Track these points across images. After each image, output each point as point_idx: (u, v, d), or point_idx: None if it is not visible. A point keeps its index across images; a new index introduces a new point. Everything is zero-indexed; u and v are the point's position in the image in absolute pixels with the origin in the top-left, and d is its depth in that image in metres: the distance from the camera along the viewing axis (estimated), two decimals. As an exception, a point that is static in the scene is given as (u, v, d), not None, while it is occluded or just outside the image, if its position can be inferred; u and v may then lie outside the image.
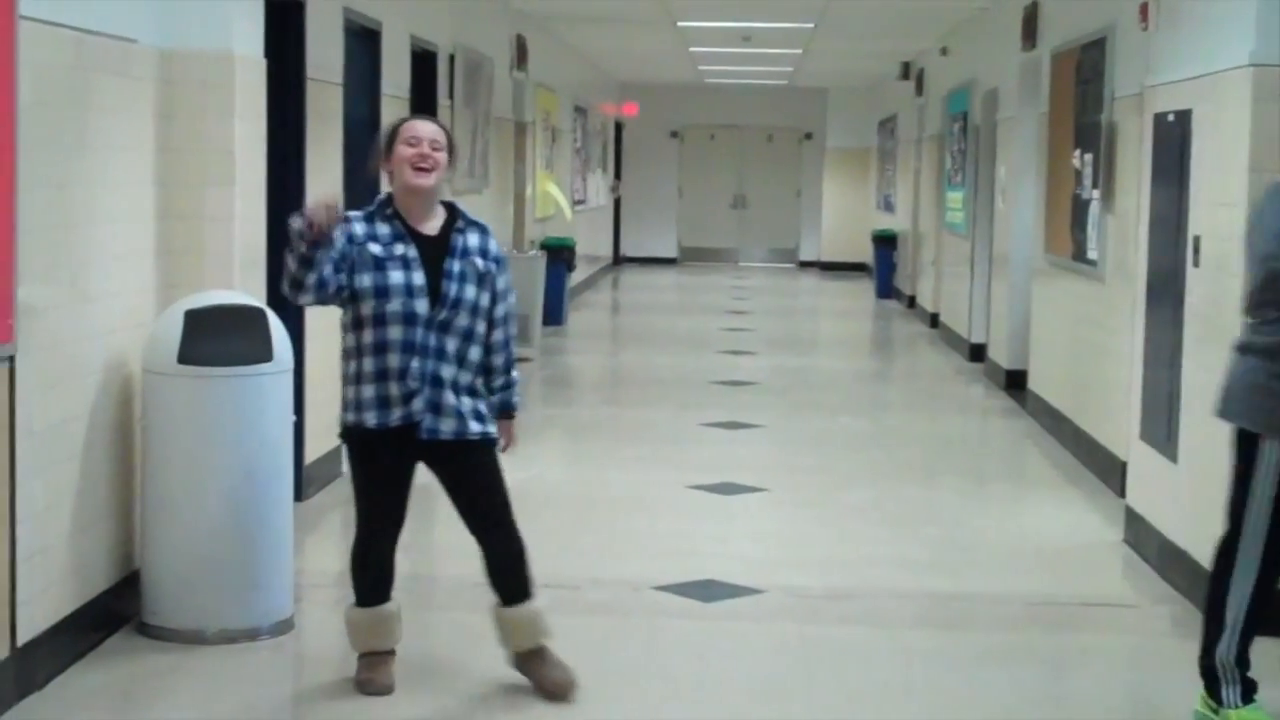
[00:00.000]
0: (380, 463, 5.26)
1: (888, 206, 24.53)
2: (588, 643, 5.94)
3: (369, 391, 5.17)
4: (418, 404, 5.15)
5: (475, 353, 5.26)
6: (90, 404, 5.73)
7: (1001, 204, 13.72)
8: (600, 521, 8.14)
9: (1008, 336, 13.09)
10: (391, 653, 5.46)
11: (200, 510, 5.83)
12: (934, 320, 18.07)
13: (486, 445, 5.29)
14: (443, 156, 5.26)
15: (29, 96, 5.10)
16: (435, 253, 5.20)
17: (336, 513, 8.19)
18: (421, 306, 5.13)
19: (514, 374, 5.44)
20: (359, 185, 9.39)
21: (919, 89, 20.35)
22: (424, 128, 5.29)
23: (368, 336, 5.16)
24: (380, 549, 5.39)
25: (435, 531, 7.21)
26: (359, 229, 5.20)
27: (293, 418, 6.09)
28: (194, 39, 6.44)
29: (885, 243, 22.79)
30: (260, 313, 6.01)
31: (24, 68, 5.03)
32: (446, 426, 5.18)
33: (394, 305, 5.12)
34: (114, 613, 5.93)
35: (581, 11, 16.69)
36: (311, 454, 8.21)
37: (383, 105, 9.77)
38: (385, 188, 5.40)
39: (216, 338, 5.84)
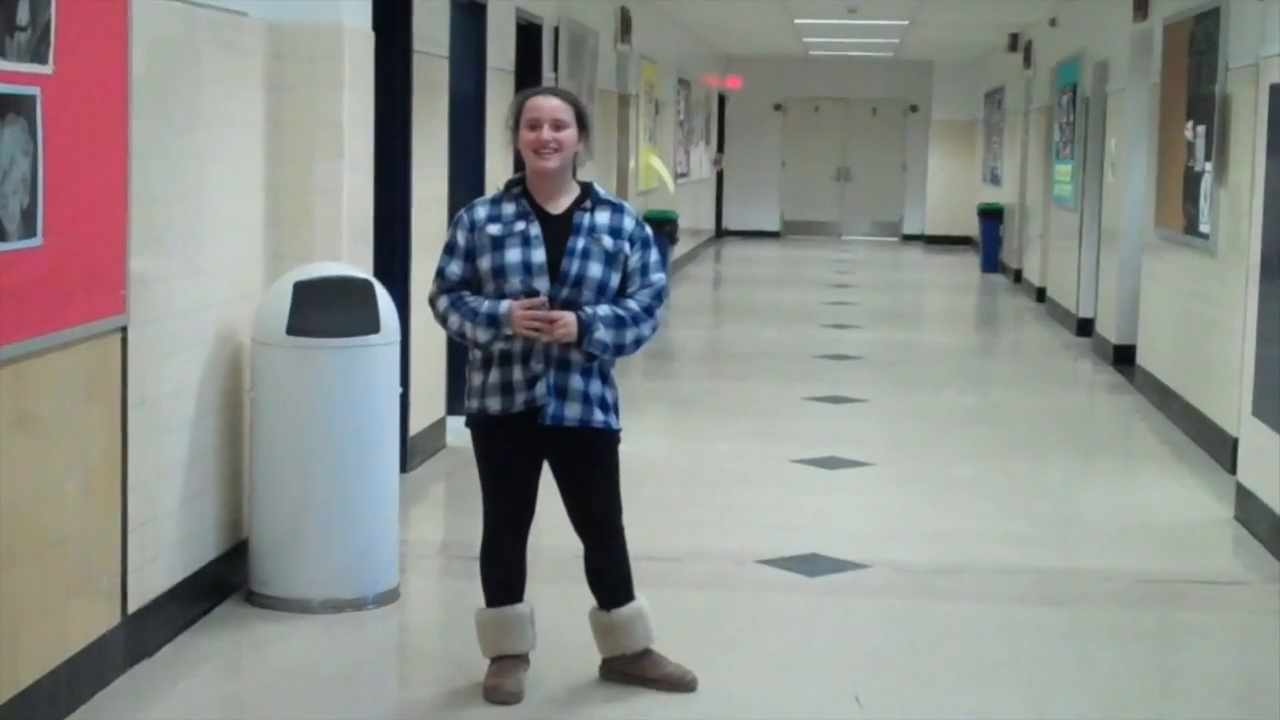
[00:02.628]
0: (505, 452, 5.02)
1: (994, 179, 24.31)
2: (691, 616, 5.94)
3: (494, 377, 4.95)
4: (541, 388, 4.90)
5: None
6: (200, 374, 5.79)
7: (1111, 177, 13.56)
8: (703, 495, 8.13)
9: (1116, 311, 12.93)
10: (524, 659, 5.17)
11: (308, 480, 5.88)
12: (1041, 294, 17.90)
13: (608, 438, 5.04)
14: (568, 134, 4.94)
15: (141, 69, 5.15)
16: (561, 231, 4.94)
17: (441, 484, 8.25)
18: (542, 285, 4.88)
19: (631, 312, 4.93)
20: (464, 159, 9.45)
21: (1027, 60, 20.13)
22: (545, 105, 4.97)
23: None
24: (508, 545, 5.13)
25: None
26: (482, 213, 5.00)
27: (399, 389, 6.12)
28: (303, 12, 6.46)
29: (991, 216, 22.59)
30: (368, 285, 6.05)
31: (136, 40, 5.09)
32: (571, 413, 4.93)
33: (512, 284, 4.87)
34: (223, 581, 6.00)
35: (686, -17, 16.67)
36: (417, 425, 8.26)
37: (488, 78, 9.80)
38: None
39: (325, 309, 5.88)
